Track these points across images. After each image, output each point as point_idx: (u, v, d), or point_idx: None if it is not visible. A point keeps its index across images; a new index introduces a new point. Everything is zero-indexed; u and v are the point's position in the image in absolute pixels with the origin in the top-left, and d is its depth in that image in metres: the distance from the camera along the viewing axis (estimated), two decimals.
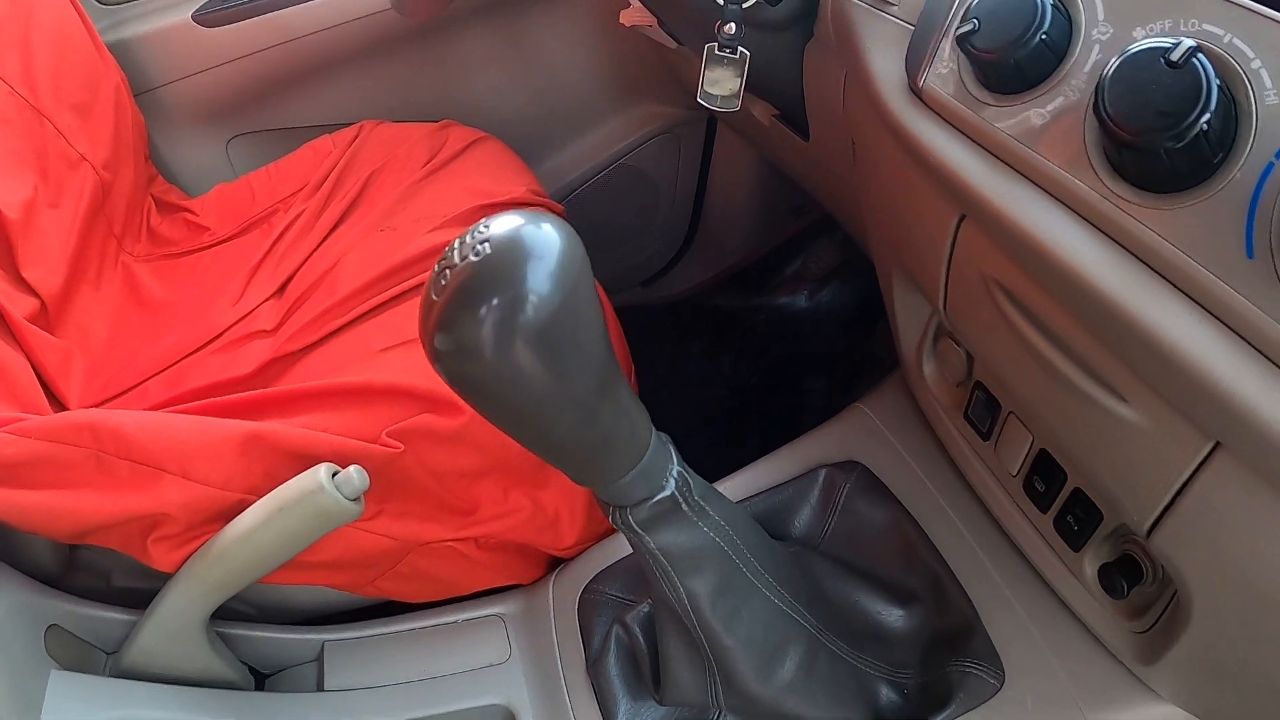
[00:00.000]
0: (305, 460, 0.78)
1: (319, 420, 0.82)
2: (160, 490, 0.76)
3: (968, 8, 0.62)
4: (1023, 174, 0.60)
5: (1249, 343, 0.48)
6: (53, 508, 0.76)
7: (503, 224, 0.51)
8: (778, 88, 0.97)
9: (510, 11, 1.41)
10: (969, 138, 0.64)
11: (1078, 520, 0.73)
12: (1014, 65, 0.58)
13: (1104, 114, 0.50)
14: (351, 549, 0.81)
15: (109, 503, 0.76)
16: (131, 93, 1.30)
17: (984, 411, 0.82)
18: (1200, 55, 0.47)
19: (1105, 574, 0.72)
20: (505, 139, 1.32)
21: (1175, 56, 0.47)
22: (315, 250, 1.11)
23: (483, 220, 0.52)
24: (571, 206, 1.52)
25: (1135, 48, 0.50)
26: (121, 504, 0.76)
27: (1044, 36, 0.56)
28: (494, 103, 1.48)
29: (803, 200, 1.60)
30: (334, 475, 0.72)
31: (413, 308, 0.94)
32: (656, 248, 1.69)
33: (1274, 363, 0.47)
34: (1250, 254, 0.46)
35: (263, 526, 0.73)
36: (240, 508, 0.77)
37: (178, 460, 0.77)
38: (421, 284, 0.95)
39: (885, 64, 0.74)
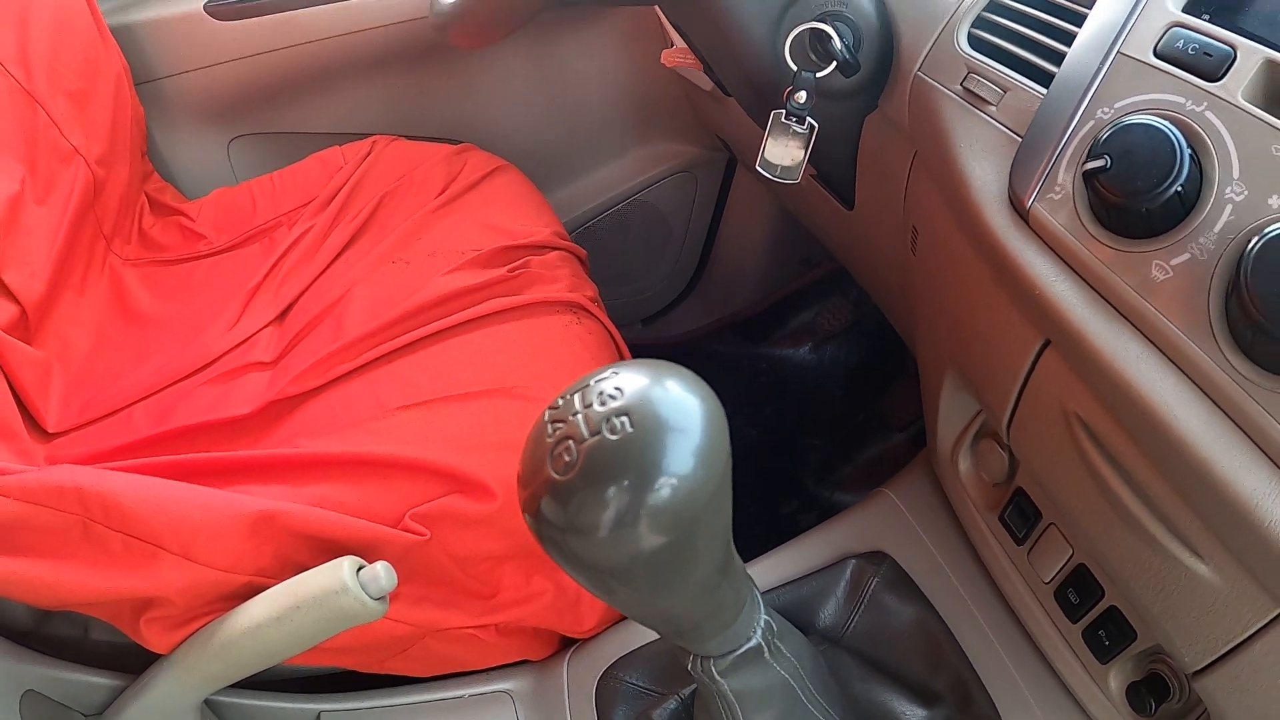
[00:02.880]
0: (322, 544, 0.72)
1: (334, 493, 0.75)
2: (157, 571, 0.68)
3: (1097, 139, 0.59)
4: (1133, 324, 0.57)
5: None
6: (32, 578, 0.67)
7: (639, 389, 0.43)
8: (828, 154, 0.93)
9: (540, 35, 1.36)
10: (1078, 274, 0.61)
11: (1109, 635, 0.72)
12: (1142, 213, 0.55)
13: (1247, 298, 0.48)
14: (364, 635, 0.73)
15: (98, 579, 0.68)
16: (133, 82, 1.22)
17: (1021, 517, 0.79)
18: None
19: (1134, 692, 0.70)
20: (521, 164, 1.26)
21: None
22: (321, 275, 1.03)
23: (609, 373, 0.43)
24: (583, 237, 1.50)
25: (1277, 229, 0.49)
26: (112, 582, 0.68)
27: (1179, 189, 0.54)
28: (513, 126, 1.43)
29: (813, 253, 1.57)
30: (358, 570, 0.65)
31: (428, 359, 0.89)
32: (662, 286, 1.66)
33: None
34: None
35: (274, 623, 0.65)
36: (247, 590, 0.70)
37: (178, 539, 0.69)
38: (438, 332, 0.90)
39: (983, 172, 0.70)
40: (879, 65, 0.85)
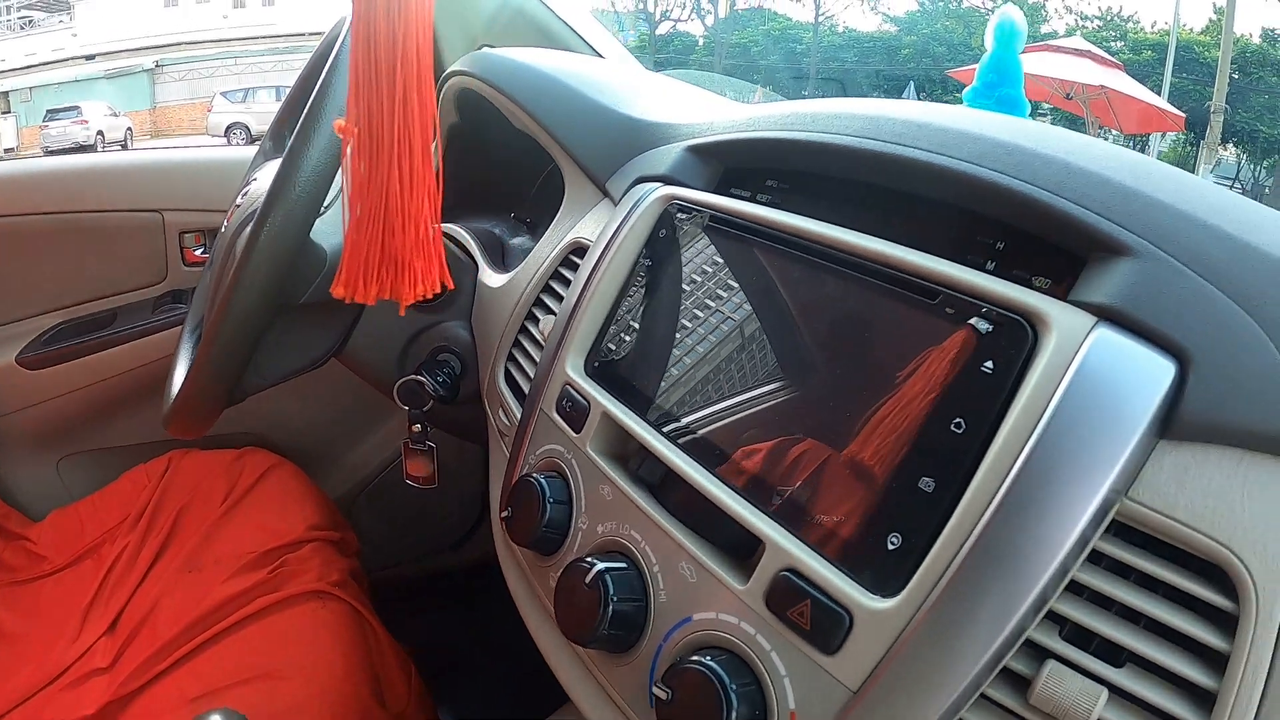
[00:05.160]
0: None
1: None
2: None
3: (514, 484, 0.86)
4: (546, 609, 0.83)
5: None
6: None
7: None
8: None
9: None
10: (526, 575, 0.89)
11: None
12: (534, 544, 0.82)
13: (556, 617, 0.74)
14: None
15: None
16: None
17: None
18: (606, 576, 0.70)
19: None
20: (308, 443, 1.69)
21: (587, 580, 0.70)
22: (138, 588, 1.43)
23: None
24: (376, 489, 1.89)
25: (572, 565, 0.73)
26: None
27: (546, 529, 0.80)
28: (295, 410, 1.85)
29: None
30: None
31: (214, 655, 1.27)
32: (459, 515, 1.96)
33: None
34: (651, 704, 0.67)
35: None
36: None
37: None
38: (222, 631, 1.29)
39: (496, 490, 1.02)
40: (479, 388, 1.16)
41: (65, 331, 1.77)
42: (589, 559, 0.73)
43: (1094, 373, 0.53)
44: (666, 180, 0.91)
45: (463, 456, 1.89)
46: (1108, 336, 0.54)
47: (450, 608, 1.58)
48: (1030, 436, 0.53)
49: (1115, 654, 0.52)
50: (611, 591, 0.70)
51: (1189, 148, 25.19)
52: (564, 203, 1.12)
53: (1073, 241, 0.61)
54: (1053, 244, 0.63)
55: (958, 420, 0.56)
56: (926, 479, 0.57)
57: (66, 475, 1.84)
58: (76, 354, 1.74)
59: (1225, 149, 24.80)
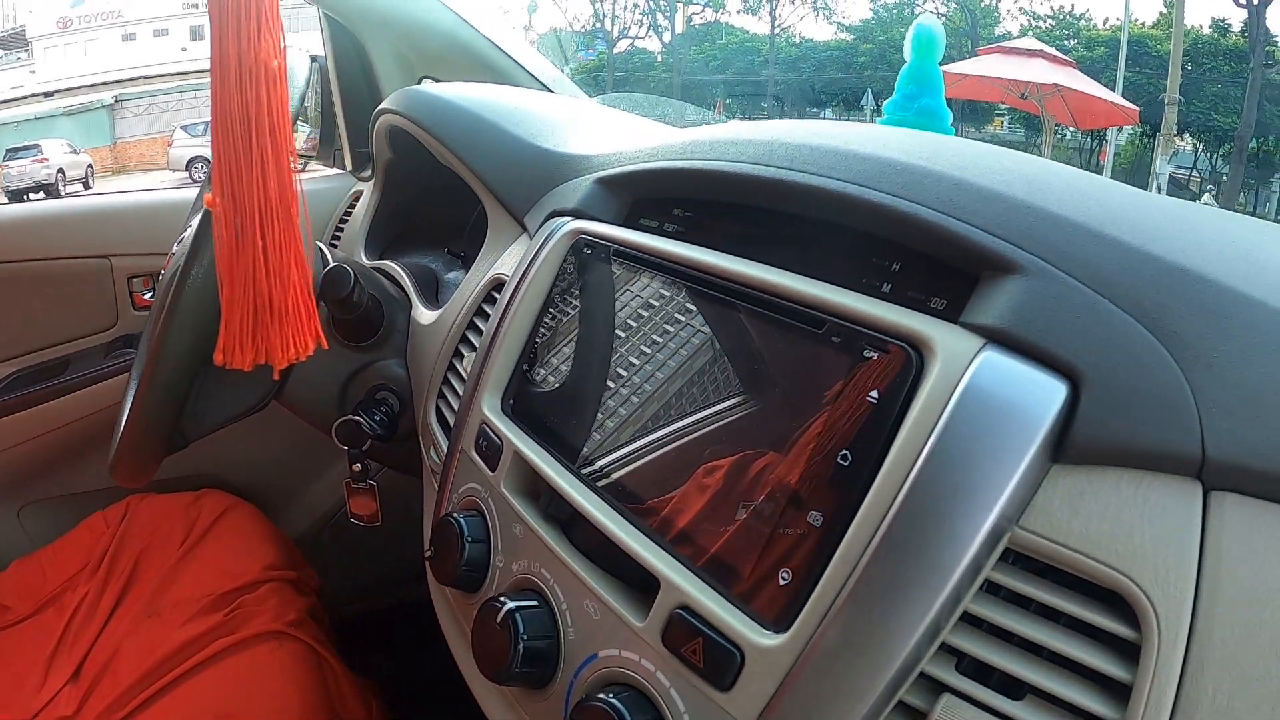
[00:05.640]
0: None
1: None
2: None
3: (436, 523, 0.86)
4: None
5: None
6: None
7: None
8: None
9: None
10: (455, 618, 0.90)
11: None
12: (457, 583, 0.82)
13: (474, 656, 0.74)
14: None
15: None
16: None
17: None
18: (516, 615, 0.70)
19: None
20: (267, 482, 1.68)
21: (498, 619, 0.71)
22: (100, 635, 1.40)
23: None
24: (339, 524, 1.87)
25: (486, 604, 0.73)
26: None
27: (465, 568, 0.81)
28: (253, 454, 1.83)
29: None
30: None
31: (174, 700, 1.26)
32: (422, 546, 1.94)
33: None
34: None
35: None
36: None
37: None
38: (181, 675, 1.28)
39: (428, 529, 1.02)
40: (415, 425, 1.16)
41: (19, 380, 1.75)
42: (501, 598, 0.73)
43: (979, 398, 0.51)
44: (577, 214, 0.90)
45: (421, 486, 1.88)
46: (994, 359, 0.52)
47: (419, 639, 1.55)
48: (913, 466, 0.51)
49: (1018, 687, 0.50)
50: (522, 630, 0.70)
51: (1145, 140, 25.26)
52: (487, 237, 1.11)
53: (962, 260, 0.59)
54: (947, 264, 0.60)
55: (844, 453, 0.55)
56: (815, 513, 0.55)
57: (28, 524, 1.82)
58: (31, 403, 1.72)
59: (1181, 139, 24.85)
